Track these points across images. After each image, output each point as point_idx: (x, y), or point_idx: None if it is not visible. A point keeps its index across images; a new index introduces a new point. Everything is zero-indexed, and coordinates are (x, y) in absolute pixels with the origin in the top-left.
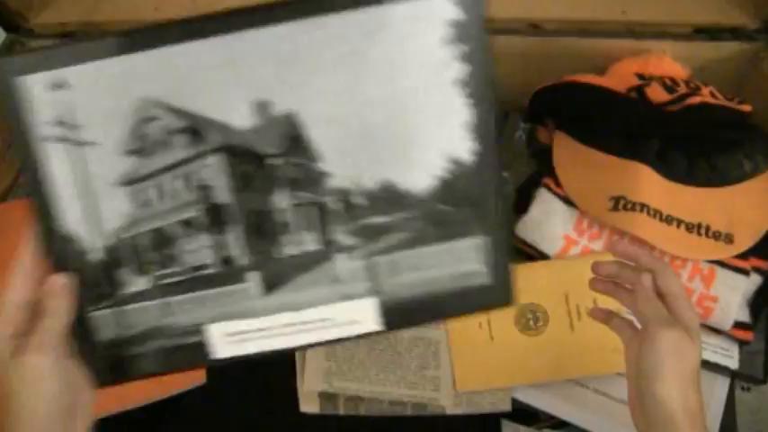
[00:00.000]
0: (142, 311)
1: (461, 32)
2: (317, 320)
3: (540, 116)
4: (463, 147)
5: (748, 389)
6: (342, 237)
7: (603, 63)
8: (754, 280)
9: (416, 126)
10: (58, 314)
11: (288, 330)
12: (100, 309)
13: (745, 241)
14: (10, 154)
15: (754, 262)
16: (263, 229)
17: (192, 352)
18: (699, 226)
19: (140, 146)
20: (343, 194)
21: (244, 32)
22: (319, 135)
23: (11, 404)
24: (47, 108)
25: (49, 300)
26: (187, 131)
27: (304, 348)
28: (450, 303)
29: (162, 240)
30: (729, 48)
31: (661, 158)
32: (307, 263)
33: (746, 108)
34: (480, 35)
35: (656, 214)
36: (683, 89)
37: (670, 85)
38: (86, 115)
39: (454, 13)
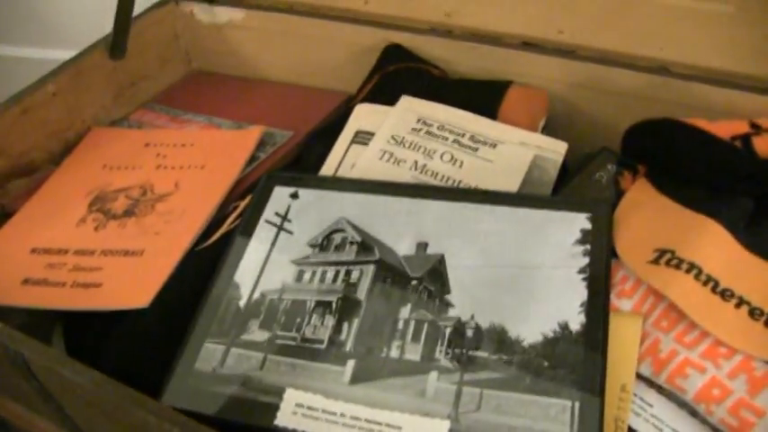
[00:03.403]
0: (244, 358)
1: (590, 237)
2: (387, 425)
3: (632, 158)
4: (574, 318)
5: None
6: (442, 357)
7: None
8: None
9: (539, 292)
10: None
11: (354, 423)
12: (216, 342)
13: None
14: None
15: None
16: (378, 329)
17: (260, 410)
18: None
19: (323, 244)
20: (457, 324)
21: (427, 201)
22: (455, 275)
23: None
24: (279, 206)
25: None
26: (360, 245)
27: None
28: None
29: (296, 310)
30: None
31: (748, 222)
32: (402, 369)
33: None
34: (603, 242)
35: (709, 282)
36: None
37: None
38: (297, 216)
39: (587, 224)
